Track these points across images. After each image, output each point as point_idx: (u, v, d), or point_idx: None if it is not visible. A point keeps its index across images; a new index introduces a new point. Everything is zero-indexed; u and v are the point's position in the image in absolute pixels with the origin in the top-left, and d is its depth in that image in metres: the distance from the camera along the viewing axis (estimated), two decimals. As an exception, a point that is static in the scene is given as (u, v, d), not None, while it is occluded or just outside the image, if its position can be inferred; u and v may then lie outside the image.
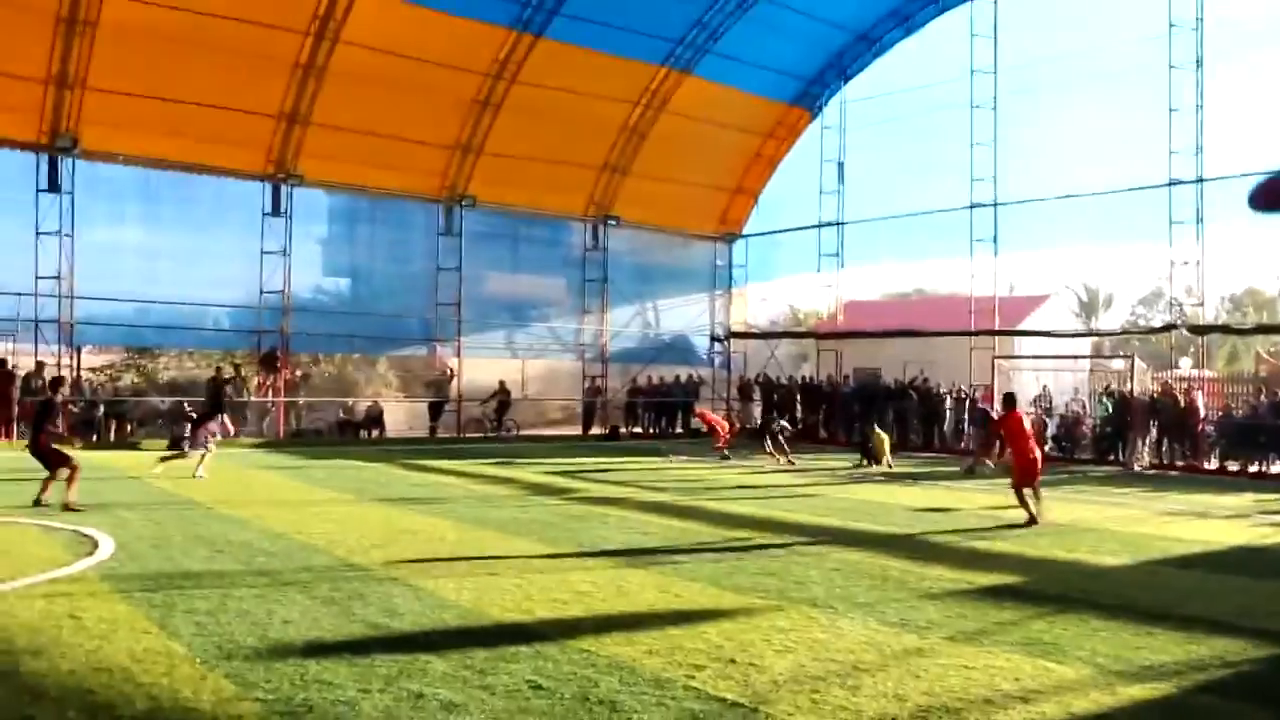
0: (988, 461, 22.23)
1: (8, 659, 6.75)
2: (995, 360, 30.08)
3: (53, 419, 15.13)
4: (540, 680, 6.53)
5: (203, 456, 18.81)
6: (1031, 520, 14.40)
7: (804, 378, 38.47)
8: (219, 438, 20.79)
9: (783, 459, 24.83)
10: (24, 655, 6.84)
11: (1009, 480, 15.31)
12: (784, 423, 27.58)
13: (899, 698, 6.34)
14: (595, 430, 35.43)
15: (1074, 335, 37.39)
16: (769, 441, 25.78)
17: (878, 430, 25.83)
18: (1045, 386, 31.44)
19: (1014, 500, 14.74)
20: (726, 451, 26.30)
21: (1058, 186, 29.74)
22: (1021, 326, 35.85)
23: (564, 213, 36.05)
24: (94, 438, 26.21)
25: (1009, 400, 15.92)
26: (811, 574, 10.39)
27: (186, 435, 25.66)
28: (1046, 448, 29.22)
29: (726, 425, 28.73)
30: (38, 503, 13.95)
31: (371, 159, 30.33)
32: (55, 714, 5.72)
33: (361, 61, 28.25)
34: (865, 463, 24.80)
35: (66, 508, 13.67)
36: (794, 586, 9.71)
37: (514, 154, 32.22)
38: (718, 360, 39.91)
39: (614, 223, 36.46)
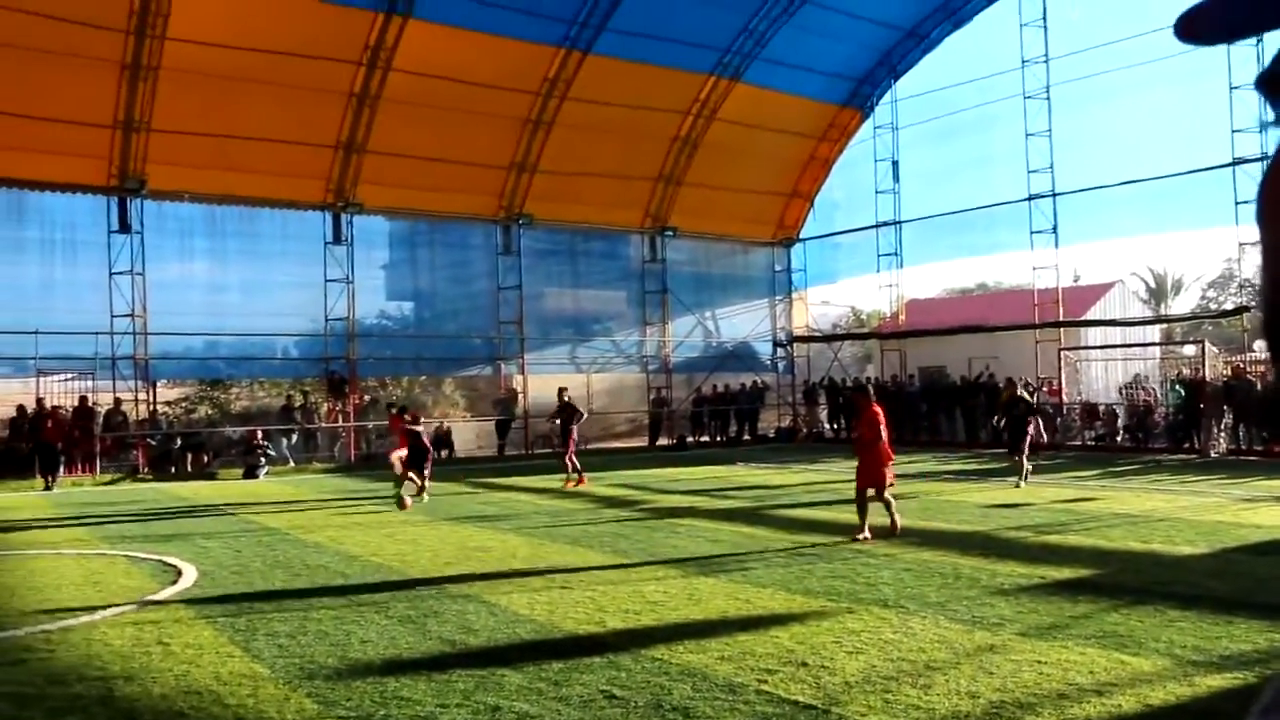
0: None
1: (103, 684, 6.98)
2: (1061, 352, 29.72)
3: None
4: (614, 690, 6.62)
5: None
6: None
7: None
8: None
9: None
10: (118, 680, 7.08)
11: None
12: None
13: (971, 695, 6.34)
14: (662, 441, 35.51)
15: (1142, 323, 36.73)
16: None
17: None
18: (1137, 375, 30.84)
19: (1088, 493, 14.55)
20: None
21: (1118, 173, 29.26)
22: (1087, 316, 35.35)
23: (621, 226, 36.26)
24: (172, 469, 26.81)
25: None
26: (882, 575, 10.38)
27: (262, 464, 26.34)
28: (1119, 437, 28.95)
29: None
30: None
31: (428, 183, 30.76)
32: (148, 737, 5.93)
33: (414, 88, 28.71)
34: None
35: None
36: (864, 588, 9.73)
37: (568, 170, 32.51)
38: (781, 365, 39.85)
39: (671, 234, 36.59)
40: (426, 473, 19.01)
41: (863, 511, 12.78)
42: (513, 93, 30.66)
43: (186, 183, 27.78)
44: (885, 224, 36.12)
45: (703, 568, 11.13)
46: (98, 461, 26.12)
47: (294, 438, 29.81)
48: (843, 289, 43.74)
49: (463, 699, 6.49)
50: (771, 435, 37.00)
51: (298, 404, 30.75)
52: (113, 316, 26.90)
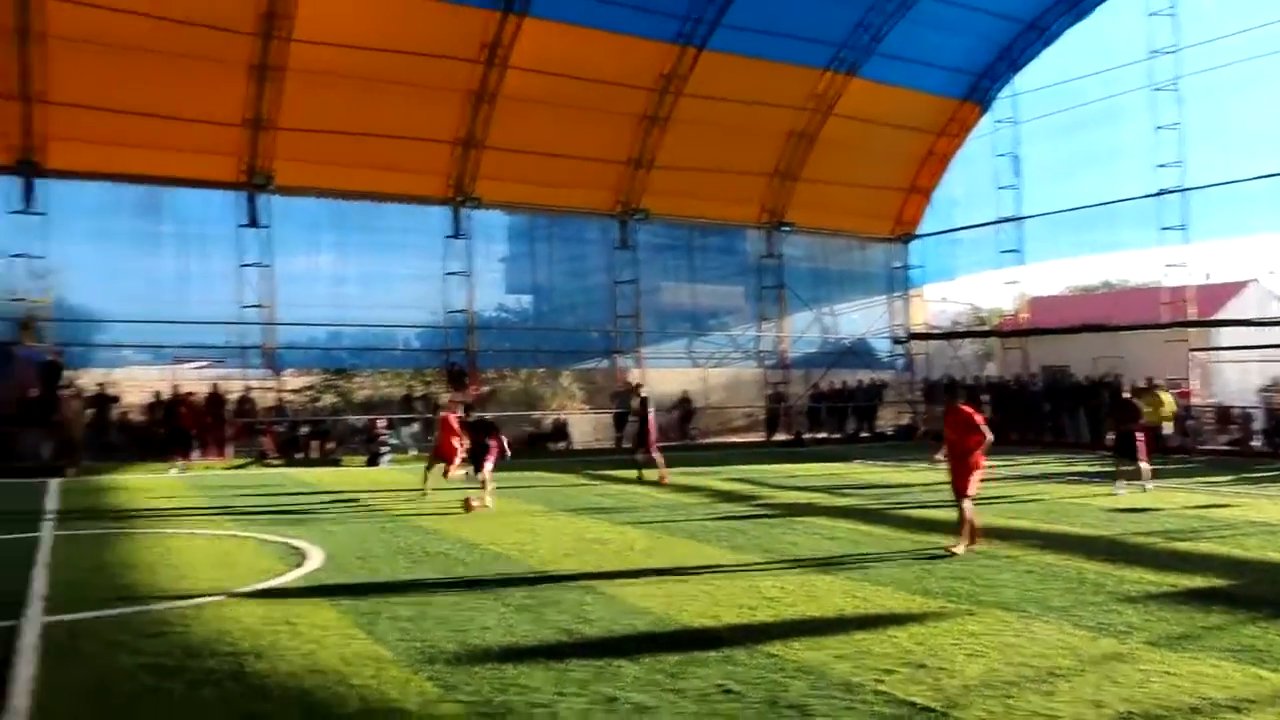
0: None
1: (234, 660, 7.24)
2: (1191, 353, 28.73)
3: None
4: (730, 684, 6.62)
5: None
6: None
7: (989, 378, 37.57)
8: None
9: None
10: (248, 657, 7.33)
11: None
12: None
13: (1097, 704, 6.18)
14: (779, 436, 35.32)
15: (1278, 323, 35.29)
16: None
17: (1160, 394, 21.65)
18: (1275, 378, 29.61)
19: (1221, 499, 13.99)
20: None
21: (1252, 167, 28.15)
22: (1219, 316, 34.08)
23: (737, 221, 36.18)
24: (298, 455, 27.58)
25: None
26: (1003, 577, 10.18)
27: (382, 452, 26.94)
28: (1255, 442, 27.86)
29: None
30: None
31: (546, 178, 31.09)
32: (278, 712, 6.13)
33: (531, 84, 29.06)
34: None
35: None
36: (985, 590, 9.55)
37: (685, 165, 32.53)
38: (899, 363, 39.32)
39: (788, 229, 36.37)
40: (487, 469, 17.34)
41: (962, 520, 11.87)
42: (629, 89, 30.82)
43: (312, 178, 28.59)
44: (1006, 220, 35.39)
45: (820, 565, 11.05)
46: (228, 446, 27.01)
47: (415, 427, 30.43)
48: (962, 286, 43.02)
49: (579, 688, 6.56)
50: (889, 433, 36.54)
51: (418, 394, 31.33)
52: (242, 307, 27.84)
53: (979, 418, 12.01)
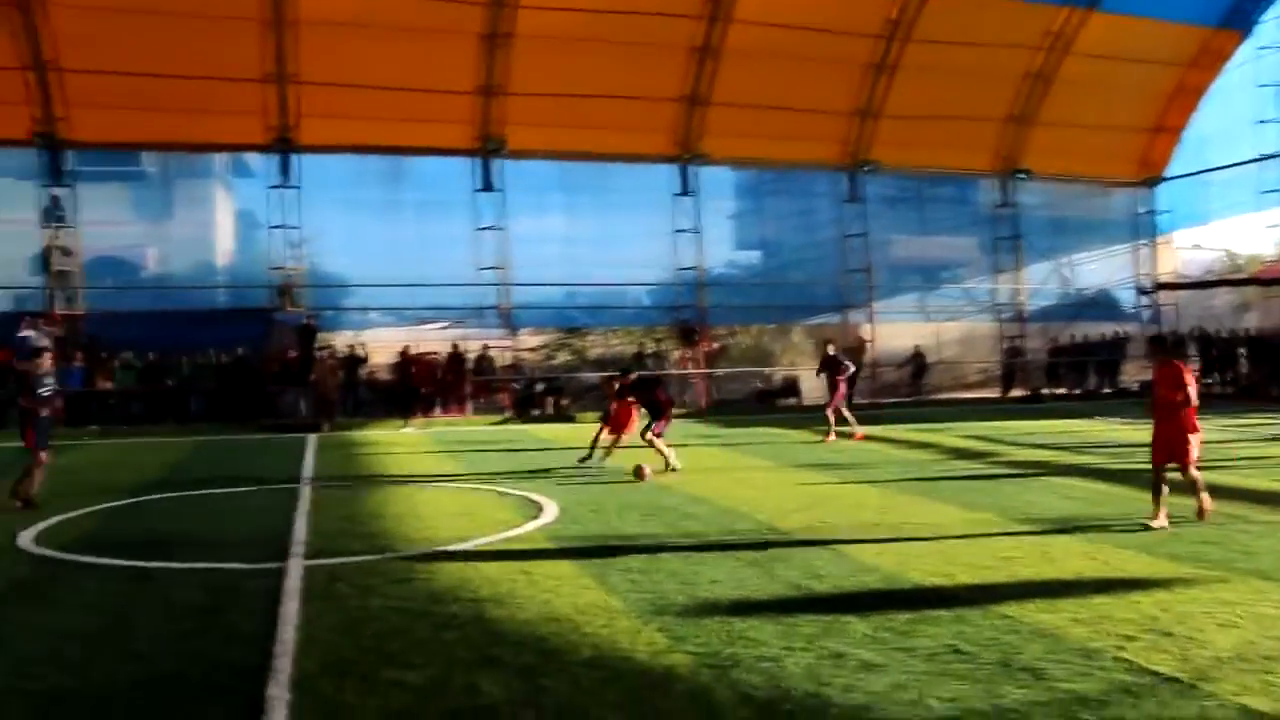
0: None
1: (474, 607, 7.59)
2: None
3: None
4: (961, 644, 6.47)
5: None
6: None
7: (1246, 330, 35.14)
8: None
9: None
10: (487, 604, 7.67)
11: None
12: None
13: (1369, 677, 5.74)
14: (1016, 393, 34.15)
15: None
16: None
17: None
18: None
19: None
20: None
21: None
22: None
23: (970, 170, 34.97)
24: (533, 412, 28.52)
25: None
26: (1261, 544, 9.52)
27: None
28: None
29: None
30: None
31: (772, 132, 30.79)
32: (514, 656, 6.39)
33: (754, 37, 28.84)
34: None
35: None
36: (1240, 556, 8.96)
37: (914, 114, 31.59)
38: (1145, 315, 37.25)
39: (1023, 176, 34.89)
40: (654, 432, 16.28)
41: (1158, 492, 10.54)
42: (854, 37, 30.20)
43: (542, 142, 29.35)
44: (1268, 157, 32.79)
45: (1057, 525, 10.64)
46: (468, 403, 28.22)
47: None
48: (1216, 231, 40.09)
49: (807, 643, 6.55)
50: (1134, 389, 34.72)
51: (650, 351, 31.83)
52: (479, 269, 28.95)
53: (1188, 375, 10.86)
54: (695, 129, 30.59)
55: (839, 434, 20.79)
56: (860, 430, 20.98)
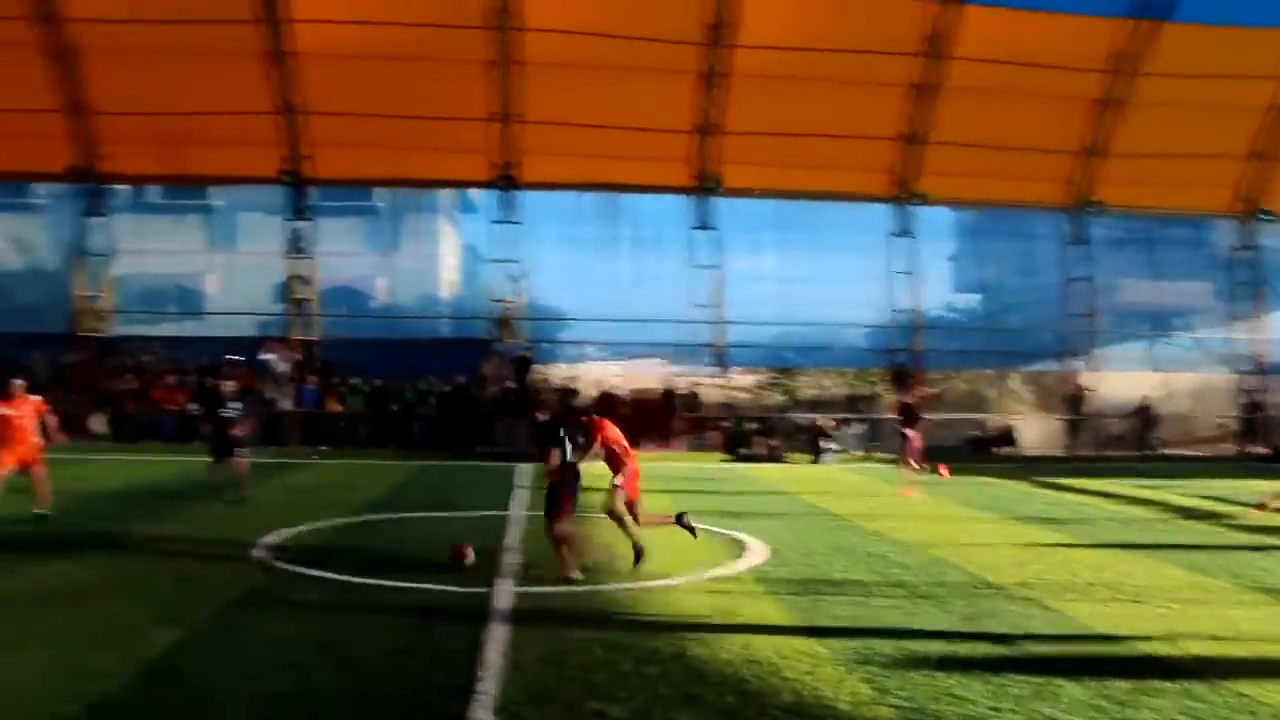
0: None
1: (677, 643, 7.55)
2: None
3: None
4: (1189, 720, 6.04)
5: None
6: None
7: None
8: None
9: None
10: (690, 642, 7.62)
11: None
12: None
13: None
14: (1255, 450, 31.93)
15: None
16: None
17: None
18: None
19: None
20: None
21: None
22: None
23: (1206, 211, 33.06)
24: (743, 451, 28.42)
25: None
26: None
27: (828, 451, 27.14)
28: None
29: None
30: None
31: (993, 171, 29.96)
32: (715, 696, 6.31)
33: (974, 74, 28.18)
34: None
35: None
36: None
37: (1143, 152, 30.05)
38: None
39: (1268, 217, 32.73)
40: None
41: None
42: (1078, 72, 29.08)
43: (757, 180, 29.45)
44: None
45: (1304, 594, 9.84)
46: (678, 440, 28.34)
47: (859, 426, 30.42)
48: None
49: (1016, 704, 6.22)
50: None
51: (863, 394, 31.33)
52: (693, 306, 29.16)
53: None
54: (913, 168, 30.07)
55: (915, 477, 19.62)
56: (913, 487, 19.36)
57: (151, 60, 26.87)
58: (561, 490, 10.08)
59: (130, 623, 7.93)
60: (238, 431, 16.11)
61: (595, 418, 10.81)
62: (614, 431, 10.74)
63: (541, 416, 10.61)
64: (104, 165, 29.36)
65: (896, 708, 6.14)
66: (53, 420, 13.73)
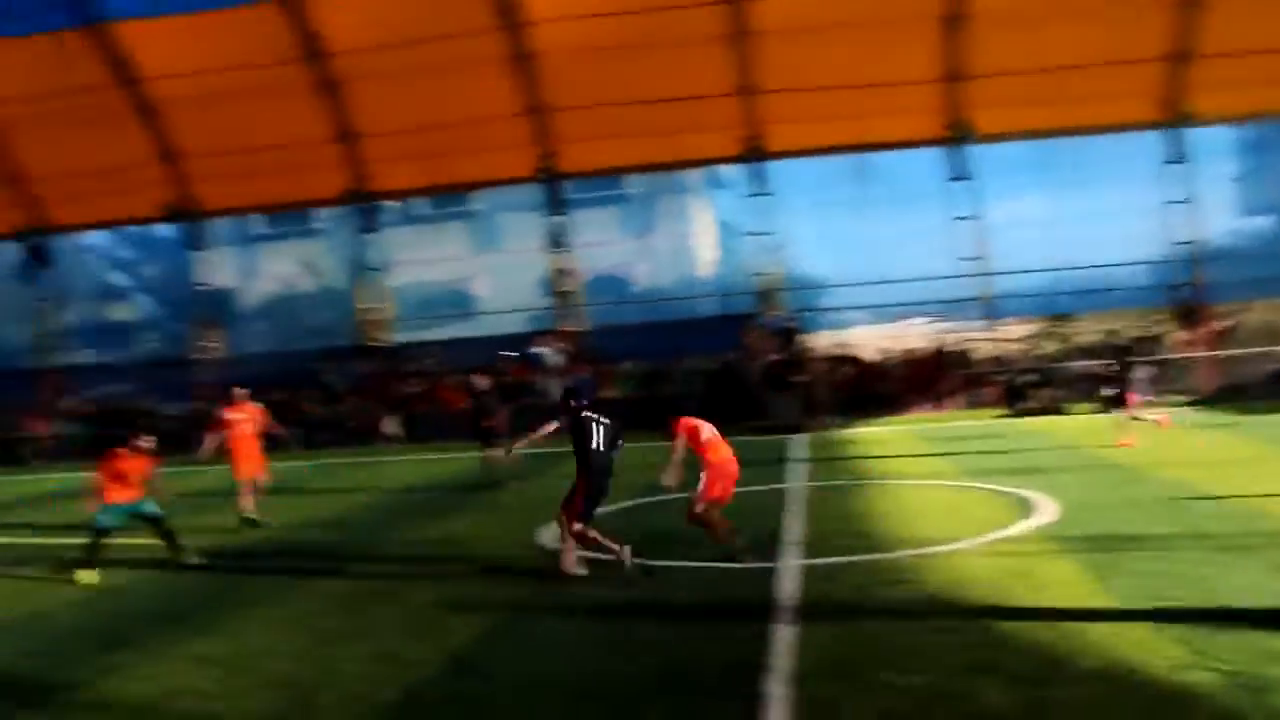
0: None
1: (970, 610, 7.42)
2: None
3: None
4: None
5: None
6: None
7: None
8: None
9: None
10: (983, 607, 7.47)
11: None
12: None
13: None
14: None
15: None
16: None
17: None
18: None
19: None
20: None
21: None
22: None
23: None
24: (1020, 405, 27.43)
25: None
26: None
27: (1111, 398, 25.79)
28: None
29: None
30: None
31: (1276, 78, 27.43)
32: (1016, 664, 6.17)
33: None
34: None
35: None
36: None
37: None
38: None
39: None
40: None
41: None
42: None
43: (1012, 122, 28.15)
44: None
45: None
46: (948, 399, 27.61)
47: (1145, 370, 28.71)
48: None
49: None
50: None
51: (1145, 335, 29.55)
52: (956, 260, 28.33)
53: None
54: (1183, 87, 27.97)
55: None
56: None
57: (407, 80, 28.45)
58: (579, 483, 9.62)
59: (435, 614, 8.48)
60: (492, 424, 17.44)
61: (675, 417, 10.22)
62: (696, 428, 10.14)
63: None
64: (374, 185, 31.30)
65: (1219, 671, 5.80)
66: (272, 424, 14.77)
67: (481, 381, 18.80)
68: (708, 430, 10.08)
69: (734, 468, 9.97)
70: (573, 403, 9.86)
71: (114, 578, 10.94)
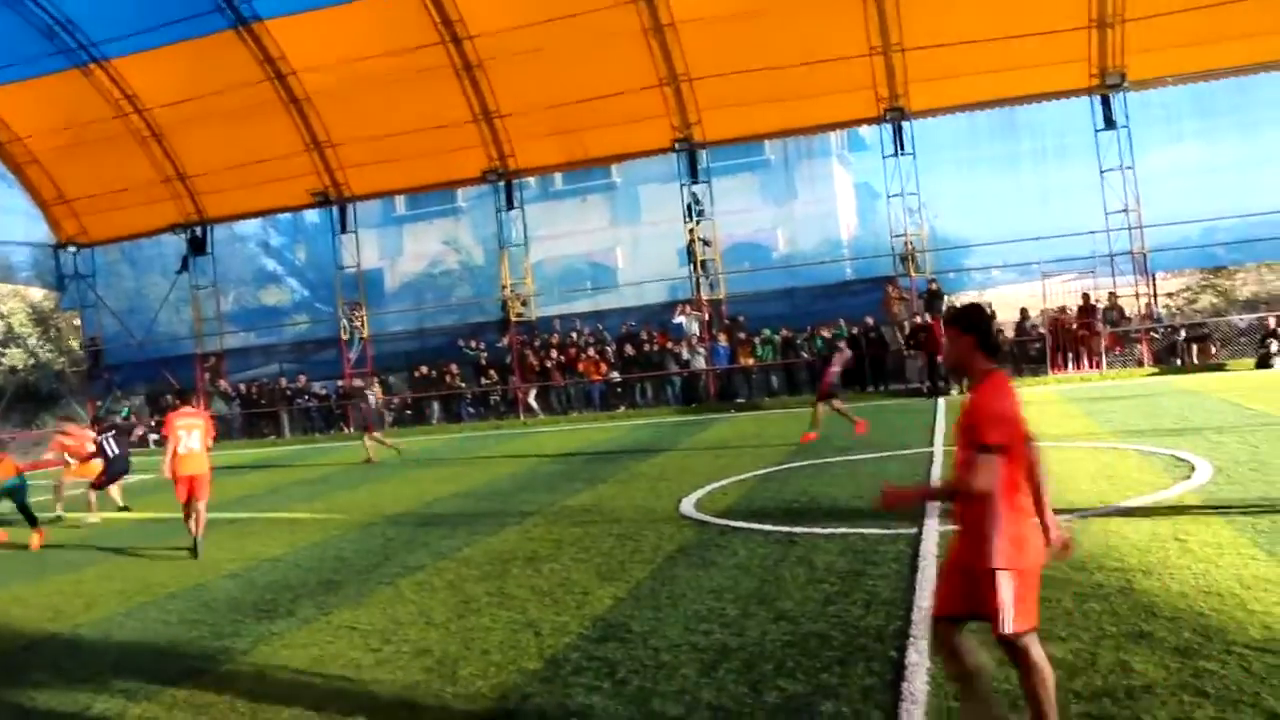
0: None
1: (1121, 577, 7.15)
2: None
3: None
4: None
5: None
6: None
7: None
8: None
9: None
10: (1135, 574, 7.19)
11: None
12: None
13: None
14: None
15: None
16: None
17: None
18: None
19: None
20: None
21: None
22: None
23: None
24: (1176, 362, 26.40)
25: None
26: None
27: (1275, 353, 24.62)
28: None
29: None
30: None
31: None
32: (1170, 632, 5.92)
33: None
34: None
35: None
36: None
37: None
38: None
39: None
40: None
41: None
42: None
43: (1167, 66, 26.80)
44: None
45: None
46: (1102, 357, 26.67)
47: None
48: None
49: None
50: None
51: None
52: (1106, 214, 27.27)
53: None
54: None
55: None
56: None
57: (544, 58, 28.76)
58: None
59: (577, 581, 8.61)
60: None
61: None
62: None
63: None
64: (513, 162, 31.74)
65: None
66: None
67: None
68: None
69: None
70: None
71: (271, 548, 11.42)
